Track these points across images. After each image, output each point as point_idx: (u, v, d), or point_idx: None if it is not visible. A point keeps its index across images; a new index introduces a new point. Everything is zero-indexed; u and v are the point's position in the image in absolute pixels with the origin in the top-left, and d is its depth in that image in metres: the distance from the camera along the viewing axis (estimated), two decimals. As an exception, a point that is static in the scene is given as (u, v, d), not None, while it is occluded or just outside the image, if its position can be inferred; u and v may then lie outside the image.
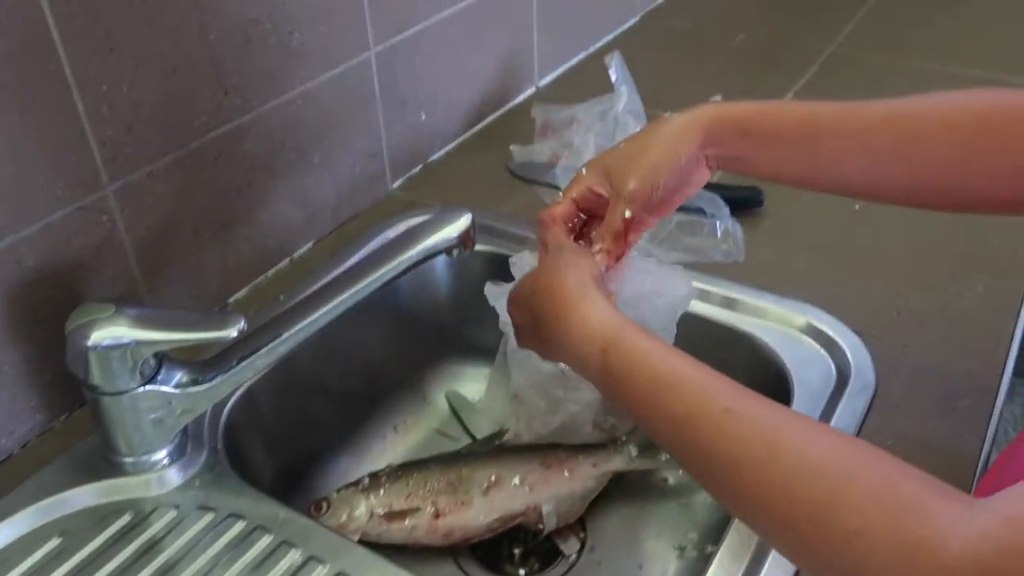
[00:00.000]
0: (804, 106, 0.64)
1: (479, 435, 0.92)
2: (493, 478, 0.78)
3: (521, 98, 1.23)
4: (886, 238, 0.93)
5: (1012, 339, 0.81)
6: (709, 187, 0.96)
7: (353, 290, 0.68)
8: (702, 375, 0.50)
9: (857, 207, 0.98)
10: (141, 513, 0.65)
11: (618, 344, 0.54)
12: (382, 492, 0.78)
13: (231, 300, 0.87)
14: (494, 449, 0.83)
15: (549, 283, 0.60)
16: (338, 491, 0.78)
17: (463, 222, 0.68)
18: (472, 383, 0.98)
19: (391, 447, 0.92)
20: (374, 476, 0.80)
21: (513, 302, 0.65)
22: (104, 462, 0.68)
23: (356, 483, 0.79)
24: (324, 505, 0.76)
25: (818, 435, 0.45)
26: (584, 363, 0.56)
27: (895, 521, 0.38)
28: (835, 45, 1.36)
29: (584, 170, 0.69)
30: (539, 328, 0.60)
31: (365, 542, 0.75)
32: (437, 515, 0.77)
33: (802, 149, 0.63)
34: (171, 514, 0.65)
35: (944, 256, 0.90)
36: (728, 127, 0.64)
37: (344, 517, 0.76)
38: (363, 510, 0.77)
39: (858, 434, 0.71)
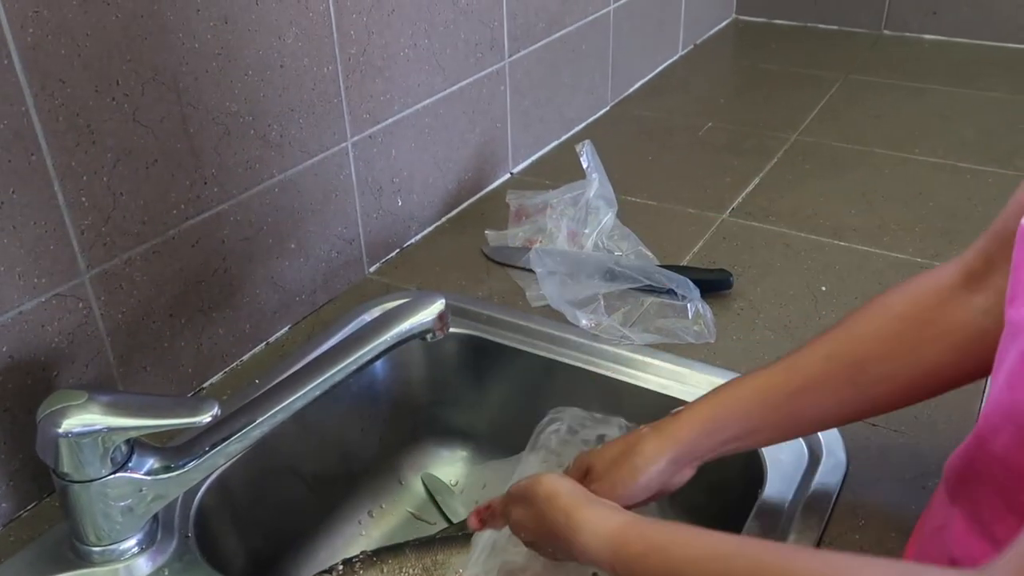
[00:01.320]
0: (759, 379, 0.68)
1: (455, 518, 0.91)
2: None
3: (496, 184, 1.26)
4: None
5: (978, 416, 0.82)
6: (679, 270, 0.99)
7: (326, 375, 0.68)
8: (711, 546, 0.53)
9: (824, 288, 1.00)
10: (108, 605, 0.64)
11: (624, 549, 0.56)
12: None
13: (206, 385, 0.87)
14: (470, 533, 0.82)
15: (549, 495, 0.62)
16: None
17: (436, 307, 0.69)
18: (447, 465, 0.98)
19: (366, 532, 0.91)
20: (348, 563, 0.78)
21: (511, 505, 0.67)
22: (71, 552, 0.67)
23: (329, 570, 0.78)
24: None
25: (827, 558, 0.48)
26: (596, 563, 0.59)
27: None
28: (798, 133, 1.41)
29: (569, 465, 0.72)
30: (544, 538, 0.63)
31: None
32: None
33: (771, 420, 0.67)
34: (139, 605, 0.64)
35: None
36: (701, 435, 0.67)
37: None
38: None
39: (831, 512, 0.72)
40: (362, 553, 0.80)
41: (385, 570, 0.78)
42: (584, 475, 0.69)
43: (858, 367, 0.64)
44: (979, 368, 0.61)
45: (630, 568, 0.56)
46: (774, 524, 0.70)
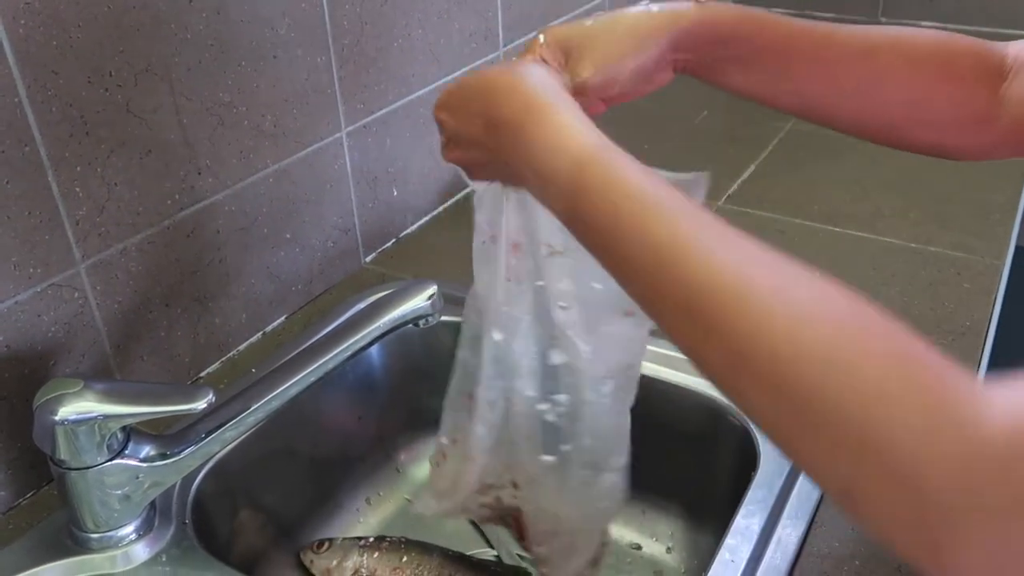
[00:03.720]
0: (786, 25, 0.60)
1: None
2: None
3: (492, 174, 1.26)
4: (846, 303, 0.95)
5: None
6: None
7: (321, 361, 0.69)
8: (695, 205, 0.43)
9: (817, 274, 1.01)
10: (106, 590, 0.65)
11: (600, 157, 0.46)
12: (376, 556, 0.80)
13: (202, 374, 0.88)
14: (499, 573, 0.83)
15: (511, 84, 0.51)
16: (344, 539, 0.81)
17: (428, 293, 0.70)
18: (444, 454, 0.99)
19: (364, 519, 0.92)
20: (380, 538, 0.83)
21: (450, 106, 0.55)
22: (70, 539, 0.67)
23: (361, 538, 0.82)
24: (326, 545, 0.80)
25: (828, 287, 0.39)
26: (551, 177, 0.47)
27: (920, 380, 0.35)
28: (793, 122, 1.41)
29: (542, 38, 0.59)
30: (491, 134, 0.51)
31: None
32: None
33: (774, 71, 0.60)
34: (136, 590, 0.65)
35: (902, 320, 0.92)
36: (707, 34, 0.59)
37: (334, 563, 0.79)
38: (351, 565, 0.80)
39: (822, 496, 0.72)
40: (401, 537, 0.83)
41: (405, 559, 0.80)
42: (559, 54, 0.57)
43: (879, 81, 0.59)
44: (964, 143, 0.59)
45: (589, 198, 0.45)
46: (766, 506, 0.71)
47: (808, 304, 0.38)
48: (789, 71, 0.61)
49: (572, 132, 0.47)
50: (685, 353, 0.41)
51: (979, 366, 0.87)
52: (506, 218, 0.60)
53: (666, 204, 0.43)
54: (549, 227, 0.58)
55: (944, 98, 0.59)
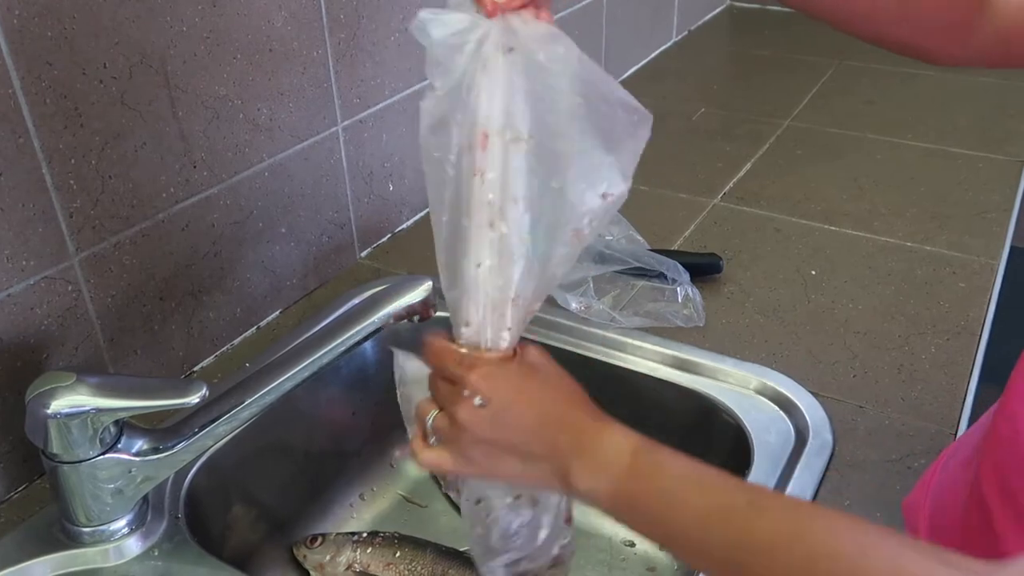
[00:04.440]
0: None
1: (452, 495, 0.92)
2: None
3: (488, 170, 1.26)
4: (841, 302, 0.95)
5: (965, 398, 0.83)
6: (669, 254, 0.99)
7: (314, 357, 0.69)
8: (720, 473, 0.49)
9: (813, 272, 1.01)
10: (98, 584, 0.65)
11: (646, 447, 0.51)
12: (369, 551, 0.81)
13: (197, 368, 0.87)
14: None
15: (561, 416, 0.52)
16: (337, 534, 0.81)
17: (423, 289, 0.70)
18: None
19: (358, 515, 0.91)
20: (373, 534, 0.82)
21: (476, 456, 0.53)
22: (62, 533, 0.67)
23: (354, 534, 0.82)
24: (319, 540, 0.80)
25: (836, 518, 0.45)
26: (606, 475, 0.50)
27: None
28: (790, 119, 1.41)
29: None
30: (533, 462, 0.52)
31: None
32: None
33: None
34: (128, 585, 0.65)
35: (898, 319, 0.93)
36: None
37: (327, 558, 0.79)
38: (344, 560, 0.79)
39: (816, 492, 0.72)
40: (394, 533, 0.83)
41: (398, 555, 0.80)
42: None
43: None
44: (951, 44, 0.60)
45: (645, 470, 0.50)
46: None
47: (825, 540, 0.43)
48: None
49: (619, 437, 0.51)
50: None
51: (973, 365, 0.87)
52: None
53: (703, 477, 0.49)
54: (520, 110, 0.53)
55: (971, 20, 0.60)
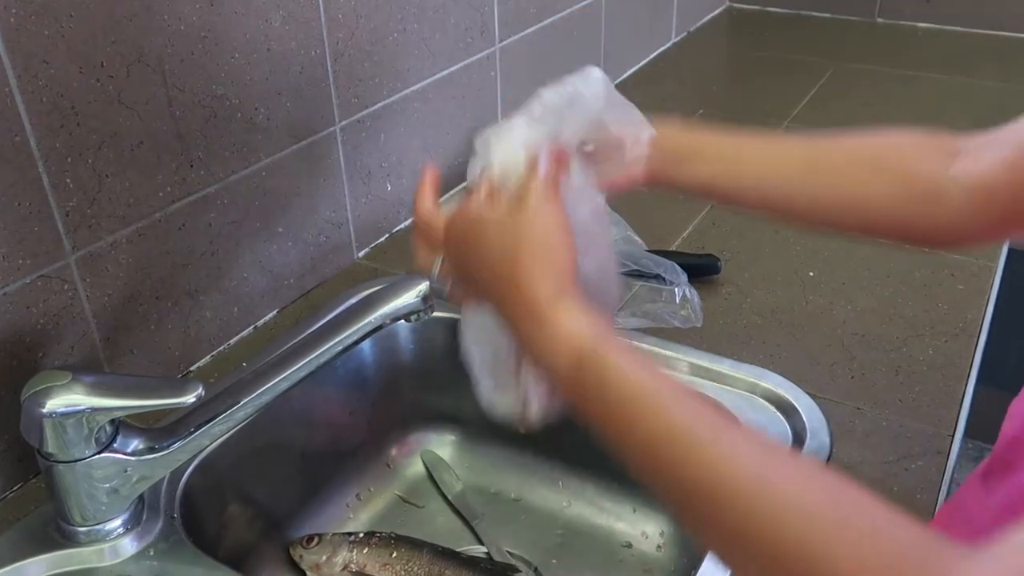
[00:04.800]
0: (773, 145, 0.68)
1: (449, 493, 0.93)
2: None
3: (486, 170, 1.26)
4: (839, 303, 0.95)
5: (963, 400, 0.83)
6: (667, 255, 0.99)
7: (311, 356, 0.68)
8: (687, 396, 0.46)
9: (811, 274, 1.01)
10: (93, 584, 0.65)
11: (592, 357, 0.49)
12: (365, 551, 0.81)
13: (193, 368, 0.87)
14: (489, 570, 0.82)
15: (513, 277, 0.53)
16: (333, 534, 0.81)
17: (420, 288, 0.70)
18: (436, 449, 0.98)
19: (354, 515, 0.91)
20: (369, 534, 0.82)
21: (455, 254, 0.58)
22: (57, 532, 0.67)
23: (351, 534, 0.82)
24: (315, 540, 0.80)
25: (810, 472, 0.42)
26: (552, 369, 0.51)
27: (893, 567, 0.36)
28: (789, 120, 1.41)
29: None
30: (494, 299, 0.54)
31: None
32: None
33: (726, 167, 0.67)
34: (124, 585, 0.64)
35: (896, 321, 0.93)
36: (684, 147, 0.67)
37: (323, 558, 0.79)
38: (340, 560, 0.79)
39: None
40: (391, 533, 0.83)
41: (394, 555, 0.80)
42: None
43: (817, 174, 0.64)
44: (911, 228, 0.63)
45: (587, 395, 0.49)
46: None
47: (792, 492, 0.41)
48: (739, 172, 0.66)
49: (568, 331, 0.50)
50: (679, 519, 0.46)
51: (971, 367, 0.87)
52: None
53: (660, 397, 0.46)
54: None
55: (883, 185, 0.63)
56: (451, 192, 1.19)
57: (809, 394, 0.82)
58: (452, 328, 0.94)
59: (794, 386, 0.83)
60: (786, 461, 0.43)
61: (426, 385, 0.97)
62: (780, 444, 0.43)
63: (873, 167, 0.64)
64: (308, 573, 0.80)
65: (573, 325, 0.50)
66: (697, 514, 0.44)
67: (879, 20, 1.87)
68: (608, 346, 0.49)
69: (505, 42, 1.22)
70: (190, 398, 0.63)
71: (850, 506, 0.40)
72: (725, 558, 0.44)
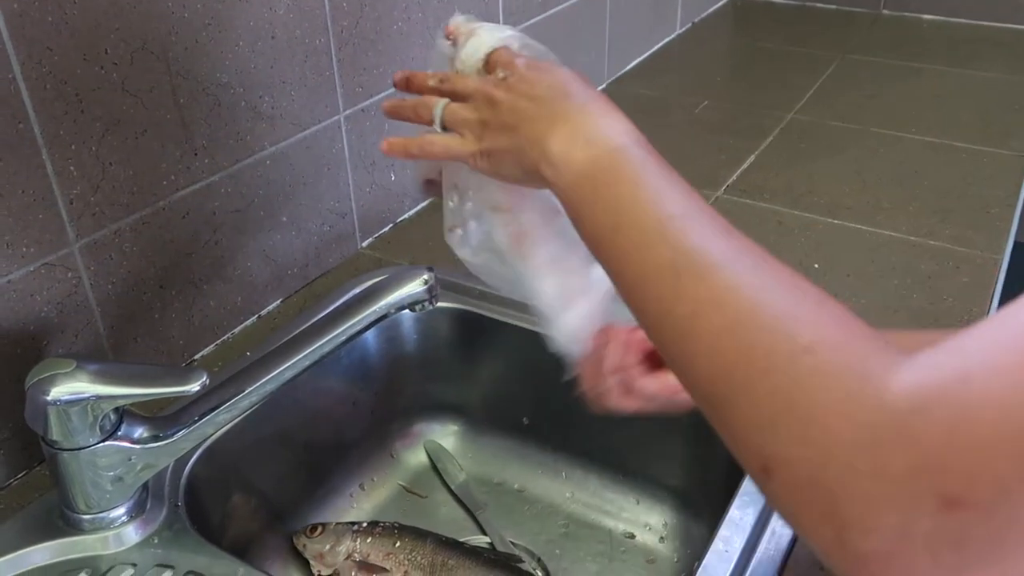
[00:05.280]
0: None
1: (452, 483, 0.93)
2: None
3: (490, 161, 1.26)
4: (844, 295, 0.95)
5: None
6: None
7: (315, 346, 0.68)
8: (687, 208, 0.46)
9: (816, 265, 1.00)
10: (97, 572, 0.64)
11: (627, 150, 0.49)
12: (369, 540, 0.81)
13: (197, 357, 0.87)
14: (492, 560, 0.82)
15: (562, 77, 0.54)
16: (337, 524, 0.82)
17: (424, 278, 0.69)
18: (439, 439, 0.98)
19: (358, 505, 0.91)
20: (373, 524, 0.83)
21: (512, 80, 0.55)
22: (61, 520, 0.67)
23: (354, 523, 0.82)
24: (319, 529, 0.80)
25: (787, 271, 0.42)
26: (578, 147, 0.50)
27: (849, 344, 0.36)
28: (793, 112, 1.41)
29: None
30: (545, 104, 0.52)
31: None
32: None
33: None
34: (128, 572, 0.64)
35: (901, 313, 0.92)
36: None
37: (327, 548, 0.79)
38: (344, 549, 0.80)
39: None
40: (394, 523, 0.83)
41: (398, 544, 0.80)
42: None
43: None
44: None
45: (595, 192, 0.48)
46: (760, 498, 0.70)
47: (769, 286, 0.40)
48: None
49: (613, 126, 0.50)
50: (639, 317, 0.45)
51: (976, 360, 0.86)
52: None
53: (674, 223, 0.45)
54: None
55: None
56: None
57: (813, 386, 0.81)
58: (456, 318, 0.94)
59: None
60: (774, 270, 0.42)
61: (430, 375, 0.97)
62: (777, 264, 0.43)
63: None
64: (312, 562, 0.80)
65: (621, 122, 0.51)
66: (669, 295, 0.43)
67: (884, 12, 1.86)
68: (645, 155, 0.49)
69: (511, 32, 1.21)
70: (194, 387, 0.63)
71: (819, 297, 0.40)
72: (676, 346, 0.42)
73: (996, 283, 0.98)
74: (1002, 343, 0.33)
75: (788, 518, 0.36)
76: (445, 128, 0.57)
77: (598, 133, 0.50)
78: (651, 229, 0.45)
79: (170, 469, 0.72)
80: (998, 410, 0.30)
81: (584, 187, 0.49)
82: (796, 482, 0.35)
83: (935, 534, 0.31)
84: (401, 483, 0.94)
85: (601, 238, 0.47)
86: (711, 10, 1.90)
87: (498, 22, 1.19)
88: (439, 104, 0.57)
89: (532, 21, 1.26)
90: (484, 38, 0.58)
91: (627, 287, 0.46)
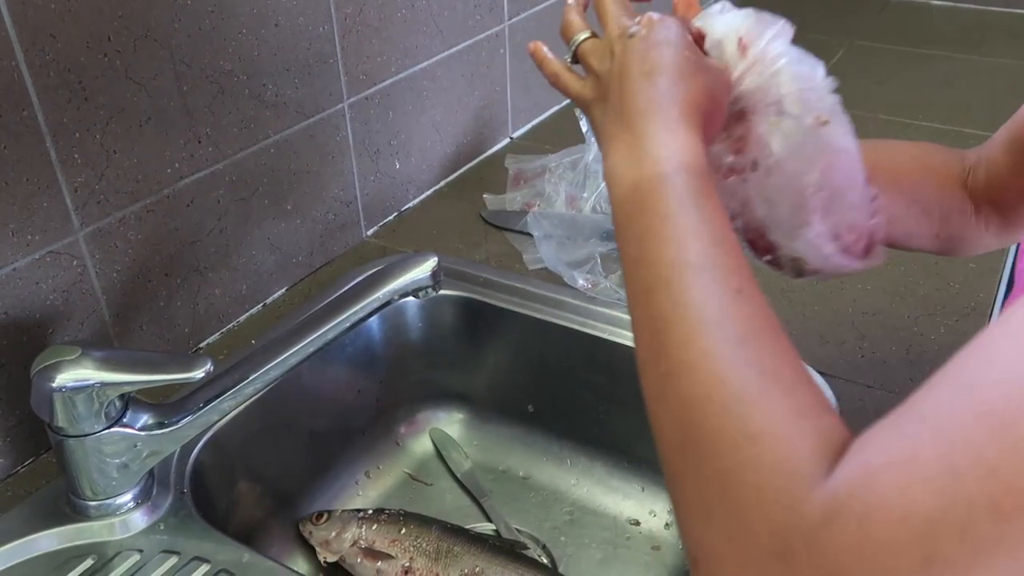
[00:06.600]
0: None
1: (457, 472, 0.93)
2: (477, 569, 0.78)
3: (495, 148, 1.26)
4: (849, 281, 0.95)
5: None
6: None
7: (319, 332, 0.68)
8: (720, 242, 0.44)
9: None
10: (104, 558, 0.65)
11: (679, 176, 0.46)
12: (374, 527, 0.81)
13: (203, 345, 0.87)
14: (497, 547, 0.82)
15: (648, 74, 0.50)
16: (342, 511, 0.82)
17: (428, 265, 0.69)
18: (445, 427, 0.98)
19: (363, 492, 0.92)
20: (378, 511, 0.83)
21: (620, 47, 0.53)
22: (68, 506, 0.67)
23: (360, 511, 0.83)
24: (324, 516, 0.81)
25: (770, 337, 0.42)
26: (629, 165, 0.48)
27: (792, 439, 0.35)
28: (801, 98, 1.40)
29: None
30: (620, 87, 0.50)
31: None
32: (407, 572, 0.78)
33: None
34: (134, 558, 0.65)
35: (907, 299, 0.92)
36: None
37: (332, 535, 0.80)
38: (349, 536, 0.80)
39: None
40: (399, 510, 0.84)
41: (402, 531, 0.81)
42: None
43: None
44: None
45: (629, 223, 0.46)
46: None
47: (744, 362, 0.39)
48: None
49: (649, 150, 0.47)
50: (636, 354, 0.44)
51: (983, 346, 0.86)
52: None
53: (684, 229, 0.44)
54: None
55: (933, 198, 0.67)
56: (459, 170, 1.19)
57: (819, 372, 0.81)
58: (462, 306, 0.94)
59: (804, 365, 0.82)
60: (763, 333, 0.42)
61: (434, 363, 0.97)
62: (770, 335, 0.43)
63: (923, 169, 0.66)
64: (317, 549, 0.81)
65: (685, 142, 0.47)
66: (653, 353, 0.42)
67: (893, -2, 1.85)
68: (699, 182, 0.46)
69: (514, 19, 1.21)
70: (199, 373, 0.63)
71: (786, 372, 0.40)
72: (653, 405, 0.42)
73: (1003, 269, 0.97)
74: (929, 421, 0.34)
75: None
76: (576, 61, 0.57)
77: (649, 152, 0.47)
78: (660, 274, 0.43)
79: (176, 456, 0.72)
80: (899, 511, 0.31)
81: (623, 209, 0.47)
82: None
83: None
84: (406, 470, 0.94)
85: (626, 265, 0.46)
86: (718, -3, 1.89)
87: (502, 11, 1.19)
88: (579, 36, 0.56)
89: (537, 8, 1.25)
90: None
91: (632, 323, 0.45)
